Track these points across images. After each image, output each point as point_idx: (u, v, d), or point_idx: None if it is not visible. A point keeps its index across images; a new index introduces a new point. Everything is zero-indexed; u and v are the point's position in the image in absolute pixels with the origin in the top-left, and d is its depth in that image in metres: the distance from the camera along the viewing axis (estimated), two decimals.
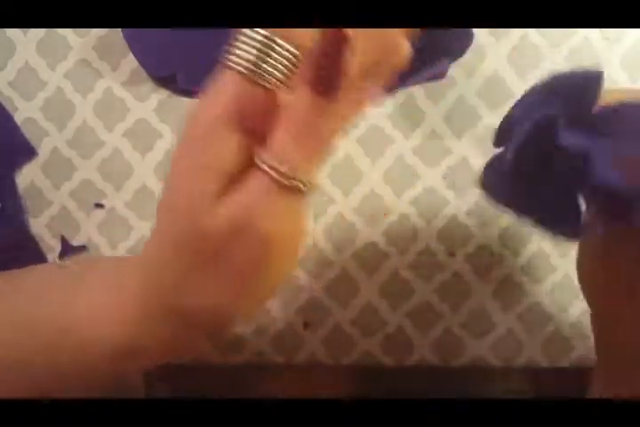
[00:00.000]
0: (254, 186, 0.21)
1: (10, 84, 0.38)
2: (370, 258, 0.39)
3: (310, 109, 0.22)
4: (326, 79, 0.22)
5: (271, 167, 0.21)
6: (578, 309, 0.39)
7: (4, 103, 0.38)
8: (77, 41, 0.38)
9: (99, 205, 0.39)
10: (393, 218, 0.38)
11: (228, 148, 0.21)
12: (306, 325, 0.39)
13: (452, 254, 0.38)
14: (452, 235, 0.38)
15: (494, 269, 0.39)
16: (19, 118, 0.38)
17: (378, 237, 0.39)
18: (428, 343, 0.39)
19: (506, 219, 0.38)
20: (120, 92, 0.38)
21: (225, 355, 0.39)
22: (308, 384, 0.39)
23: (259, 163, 0.21)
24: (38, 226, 0.39)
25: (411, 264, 0.39)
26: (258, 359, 0.39)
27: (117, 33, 0.37)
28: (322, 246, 0.39)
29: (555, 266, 0.39)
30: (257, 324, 0.39)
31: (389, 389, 0.39)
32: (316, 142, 0.22)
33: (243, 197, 0.21)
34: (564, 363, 0.39)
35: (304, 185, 0.22)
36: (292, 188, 0.21)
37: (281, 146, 0.21)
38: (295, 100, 0.21)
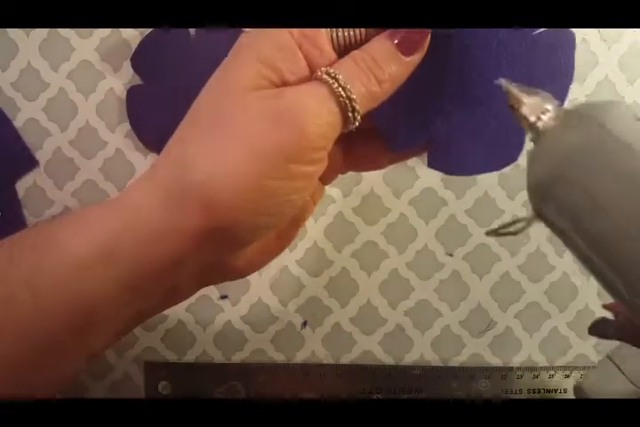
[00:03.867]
0: (307, 88, 0.22)
1: (12, 84, 0.39)
2: (369, 257, 0.39)
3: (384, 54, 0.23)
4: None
5: (332, 77, 0.22)
6: (575, 307, 0.39)
7: (6, 104, 0.39)
8: (80, 42, 0.38)
9: None
10: (392, 218, 0.39)
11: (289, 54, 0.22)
12: (305, 323, 0.40)
13: (450, 254, 0.39)
14: (451, 234, 0.39)
15: (492, 269, 0.39)
16: (21, 119, 0.39)
17: (377, 236, 0.39)
18: (428, 342, 0.40)
19: (504, 218, 0.38)
20: (122, 92, 0.38)
21: (225, 354, 0.40)
22: (308, 383, 0.39)
23: (320, 73, 0.22)
24: None
25: (410, 263, 0.39)
26: (258, 358, 0.40)
27: (119, 34, 0.38)
28: (322, 246, 0.39)
29: (552, 265, 0.39)
30: (257, 322, 0.40)
31: (389, 387, 0.39)
32: (379, 75, 0.23)
33: (291, 92, 0.22)
34: (562, 362, 0.39)
35: (353, 111, 0.22)
36: (343, 104, 0.22)
37: (346, 69, 0.22)
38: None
